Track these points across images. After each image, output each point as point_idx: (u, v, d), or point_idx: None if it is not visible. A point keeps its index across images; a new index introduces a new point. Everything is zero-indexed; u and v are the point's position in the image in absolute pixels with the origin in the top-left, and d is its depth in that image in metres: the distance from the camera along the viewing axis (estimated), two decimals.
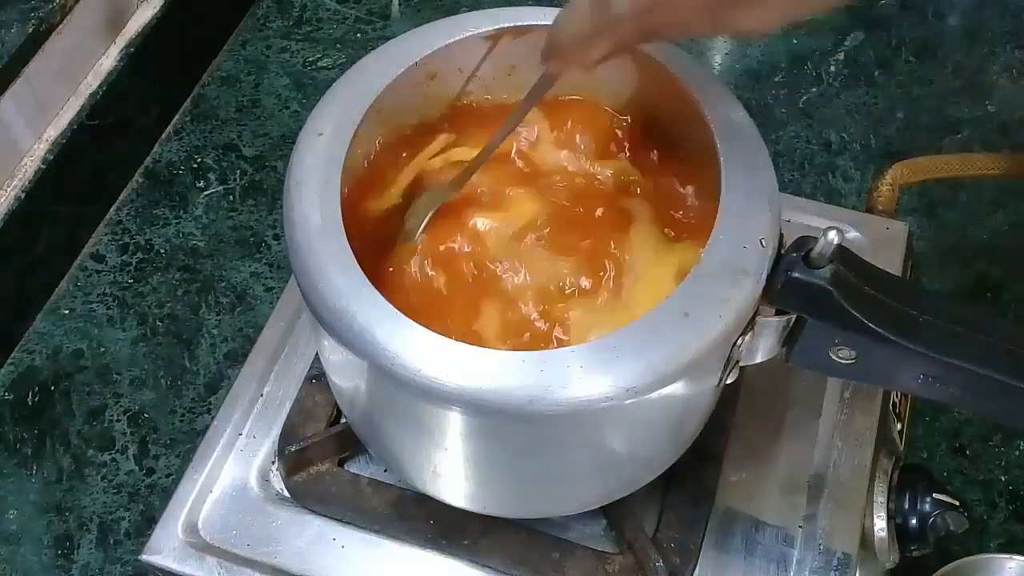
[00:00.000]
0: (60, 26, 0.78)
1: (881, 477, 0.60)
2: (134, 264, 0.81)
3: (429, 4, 0.97)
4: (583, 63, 0.46)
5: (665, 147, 0.55)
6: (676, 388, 0.45)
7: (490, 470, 0.51)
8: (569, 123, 0.55)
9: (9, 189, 0.77)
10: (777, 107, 0.88)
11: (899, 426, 0.66)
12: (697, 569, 0.57)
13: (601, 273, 0.49)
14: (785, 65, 0.91)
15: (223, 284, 0.79)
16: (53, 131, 0.80)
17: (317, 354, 0.63)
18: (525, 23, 0.53)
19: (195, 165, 0.86)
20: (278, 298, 0.69)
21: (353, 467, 0.61)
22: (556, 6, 0.54)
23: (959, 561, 0.61)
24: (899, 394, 0.65)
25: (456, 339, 0.44)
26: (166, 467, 0.71)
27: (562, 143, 0.55)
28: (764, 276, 0.45)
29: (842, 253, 0.44)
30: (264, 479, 0.61)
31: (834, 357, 0.47)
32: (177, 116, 0.89)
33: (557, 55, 0.47)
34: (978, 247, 0.79)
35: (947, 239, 0.79)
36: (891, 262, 0.66)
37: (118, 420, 0.73)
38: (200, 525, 0.59)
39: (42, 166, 0.78)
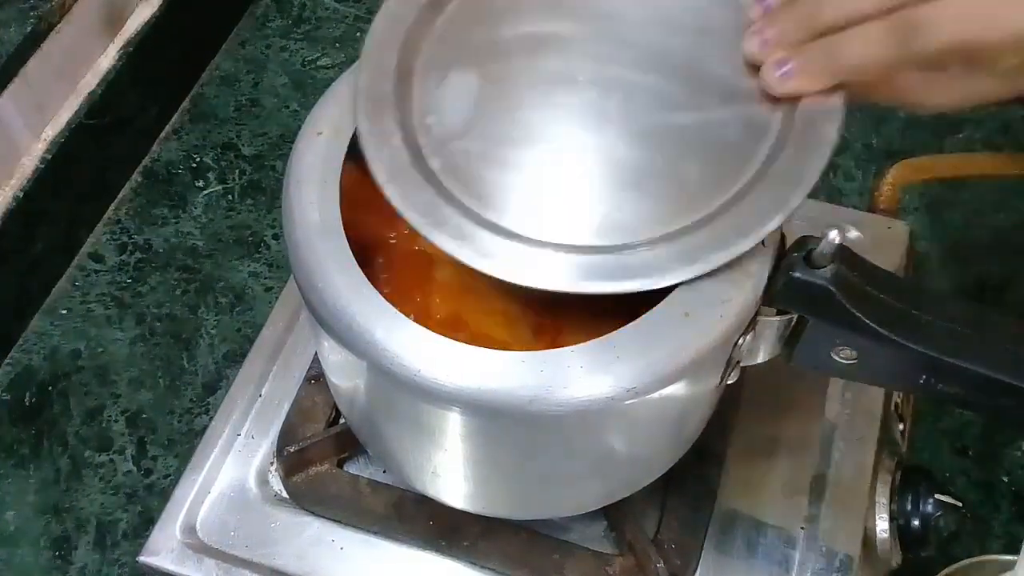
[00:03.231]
0: (59, 25, 0.78)
1: (883, 478, 0.59)
2: (132, 264, 0.80)
3: None
4: (785, 85, 0.44)
5: None
6: (677, 388, 0.44)
7: (490, 471, 0.51)
8: None
9: (7, 188, 0.76)
10: None
11: (901, 427, 0.65)
12: (698, 571, 0.56)
13: None
14: None
15: (222, 284, 0.79)
16: (51, 130, 0.80)
17: (316, 354, 0.63)
18: None
19: (194, 164, 0.86)
20: (277, 298, 0.69)
21: (352, 468, 0.61)
22: None
23: (962, 563, 0.60)
24: (901, 394, 0.65)
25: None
26: (164, 468, 0.70)
27: None
28: (765, 276, 0.45)
29: (843, 253, 0.44)
30: (263, 480, 0.61)
31: (836, 357, 0.47)
32: (176, 115, 0.89)
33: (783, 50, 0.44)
34: (980, 247, 0.79)
35: (949, 239, 0.79)
36: (893, 262, 0.66)
37: (116, 421, 0.72)
38: (198, 526, 0.59)
39: (40, 165, 0.78)
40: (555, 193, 0.45)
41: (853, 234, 0.66)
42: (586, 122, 0.46)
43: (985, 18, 0.41)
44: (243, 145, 0.87)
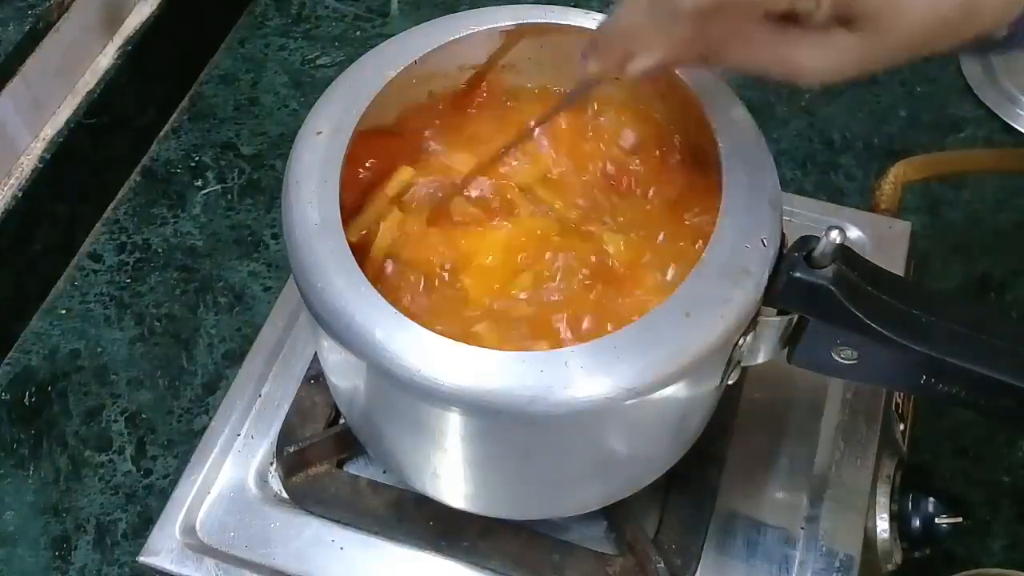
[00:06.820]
0: (57, 24, 0.78)
1: (883, 478, 0.59)
2: (131, 264, 0.80)
3: (428, 2, 0.96)
4: (624, 68, 0.42)
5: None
6: (677, 389, 0.44)
7: (490, 471, 0.51)
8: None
9: (6, 188, 0.76)
10: (779, 105, 0.87)
11: (902, 427, 0.65)
12: (699, 571, 0.56)
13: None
14: None
15: (221, 284, 0.79)
16: (50, 130, 0.79)
17: (316, 354, 0.62)
18: (525, 21, 0.53)
19: (193, 164, 0.86)
20: (276, 298, 0.69)
21: (352, 468, 0.61)
22: (556, 3, 0.54)
23: (967, 572, 0.60)
24: (902, 395, 0.65)
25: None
26: (164, 468, 0.70)
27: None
28: (766, 276, 0.45)
29: (844, 252, 0.44)
30: (262, 480, 0.61)
31: (836, 357, 0.47)
32: (175, 115, 0.89)
33: (599, 54, 0.43)
34: (981, 246, 0.78)
35: (950, 238, 0.79)
36: (894, 261, 0.66)
37: (115, 421, 0.72)
38: (198, 526, 0.59)
39: (39, 165, 0.78)
40: None
41: (854, 233, 0.67)
42: None
43: None
44: (242, 144, 0.87)
